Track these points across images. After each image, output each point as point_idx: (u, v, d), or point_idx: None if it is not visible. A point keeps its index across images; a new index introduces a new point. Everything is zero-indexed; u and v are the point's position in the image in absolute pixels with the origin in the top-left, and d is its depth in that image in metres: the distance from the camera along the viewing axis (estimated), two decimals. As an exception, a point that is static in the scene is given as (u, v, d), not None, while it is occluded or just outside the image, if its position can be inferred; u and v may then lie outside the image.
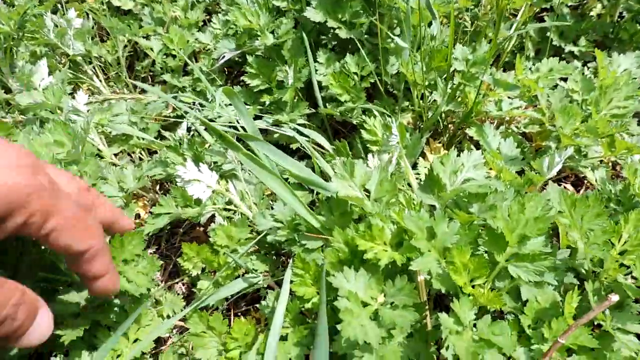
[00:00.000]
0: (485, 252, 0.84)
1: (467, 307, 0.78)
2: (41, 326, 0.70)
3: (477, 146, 1.42)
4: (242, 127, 1.23)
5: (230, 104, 1.37)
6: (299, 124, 1.36)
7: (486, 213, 0.87)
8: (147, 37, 1.70)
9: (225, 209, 1.14)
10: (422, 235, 0.82)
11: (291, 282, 0.88)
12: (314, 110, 1.38)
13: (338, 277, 0.78)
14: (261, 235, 1.08)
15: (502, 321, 0.78)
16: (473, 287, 0.82)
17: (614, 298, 0.66)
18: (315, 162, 1.16)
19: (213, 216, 1.16)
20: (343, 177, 0.90)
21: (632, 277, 0.83)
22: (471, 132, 1.26)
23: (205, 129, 1.32)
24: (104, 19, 1.67)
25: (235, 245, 1.07)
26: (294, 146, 1.37)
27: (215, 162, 1.21)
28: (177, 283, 1.35)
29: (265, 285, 1.15)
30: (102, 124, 1.36)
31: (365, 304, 0.77)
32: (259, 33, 1.33)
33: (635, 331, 0.79)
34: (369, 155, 1.04)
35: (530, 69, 1.43)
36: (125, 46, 1.68)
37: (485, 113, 1.33)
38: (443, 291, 0.81)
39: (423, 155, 1.34)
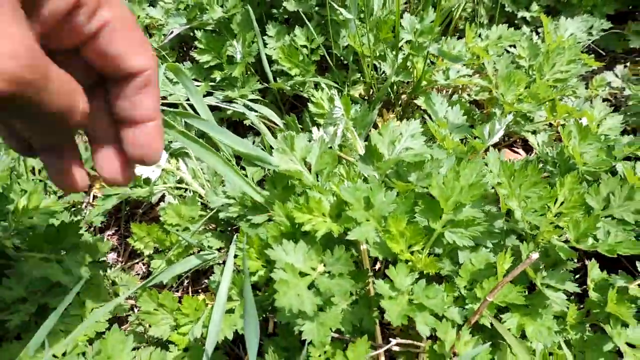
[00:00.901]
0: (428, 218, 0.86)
1: (403, 273, 0.81)
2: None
3: (430, 116, 1.44)
4: (191, 105, 1.23)
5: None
6: (251, 100, 1.36)
7: (424, 181, 0.89)
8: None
9: (176, 188, 1.14)
10: (359, 206, 0.84)
11: (235, 256, 0.89)
12: (266, 85, 1.37)
13: (277, 250, 0.80)
14: (212, 212, 1.09)
15: (436, 285, 0.81)
16: (412, 253, 0.85)
17: (534, 256, 0.69)
18: (263, 137, 1.16)
19: (164, 195, 1.17)
20: (283, 151, 0.91)
21: (567, 240, 0.87)
22: (420, 101, 1.27)
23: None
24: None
25: (186, 223, 1.08)
26: (247, 122, 1.37)
27: (166, 141, 1.21)
28: (137, 263, 1.36)
29: (221, 262, 1.17)
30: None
31: (304, 275, 0.79)
32: (207, 7, 1.31)
33: (565, 288, 0.83)
34: (314, 129, 1.05)
35: (480, 36, 1.45)
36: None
37: (434, 82, 1.34)
38: (381, 258, 0.83)
39: (376, 126, 1.36)
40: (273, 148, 1.13)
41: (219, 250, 1.16)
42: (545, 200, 0.86)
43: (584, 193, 0.88)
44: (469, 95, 1.50)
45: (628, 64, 1.71)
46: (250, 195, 0.92)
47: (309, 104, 1.15)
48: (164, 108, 1.13)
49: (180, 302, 0.94)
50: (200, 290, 1.28)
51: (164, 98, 1.33)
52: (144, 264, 1.36)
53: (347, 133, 1.09)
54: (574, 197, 0.87)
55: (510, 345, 0.82)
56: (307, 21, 1.26)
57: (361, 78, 1.40)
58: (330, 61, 1.28)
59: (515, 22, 1.73)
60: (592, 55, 1.57)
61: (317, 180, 0.90)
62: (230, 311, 0.92)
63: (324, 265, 0.82)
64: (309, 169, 0.92)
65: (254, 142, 1.41)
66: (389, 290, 0.78)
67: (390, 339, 0.83)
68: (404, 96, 1.43)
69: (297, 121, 1.20)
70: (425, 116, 1.42)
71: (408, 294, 0.80)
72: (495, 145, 1.52)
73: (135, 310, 1.20)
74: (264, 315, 0.95)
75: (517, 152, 1.46)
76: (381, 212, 0.85)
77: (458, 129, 1.13)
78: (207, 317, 0.89)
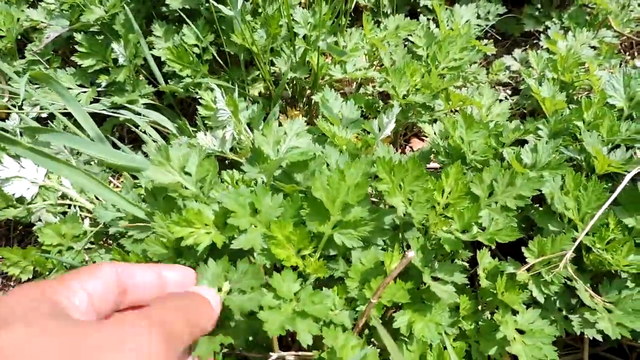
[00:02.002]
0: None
1: (290, 280, 0.78)
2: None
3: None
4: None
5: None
6: (145, 104, 1.28)
7: (310, 181, 0.86)
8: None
9: (59, 205, 1.06)
10: (243, 212, 0.79)
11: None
12: (158, 89, 1.30)
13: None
14: (97, 228, 1.02)
15: (323, 289, 0.78)
16: (303, 257, 0.82)
17: (410, 254, 0.67)
18: (147, 144, 1.10)
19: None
20: (160, 163, 0.85)
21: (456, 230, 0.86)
22: (316, 96, 1.25)
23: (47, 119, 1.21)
24: None
25: (69, 242, 1.00)
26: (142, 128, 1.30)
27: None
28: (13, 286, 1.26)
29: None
30: None
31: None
32: (83, 7, 1.22)
33: (453, 280, 0.83)
34: (199, 134, 1.00)
35: (380, 27, 1.44)
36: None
37: (331, 77, 1.32)
38: (268, 265, 0.80)
39: (280, 125, 1.32)
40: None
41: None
42: (431, 193, 0.85)
43: (469, 182, 0.88)
44: (373, 87, 1.49)
45: (528, 47, 1.76)
46: (127, 210, 0.86)
47: (198, 107, 1.10)
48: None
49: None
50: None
51: (42, 109, 1.23)
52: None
53: (241, 135, 1.05)
54: (459, 187, 0.87)
55: (409, 345, 0.81)
56: (190, 19, 1.19)
57: (260, 76, 1.35)
58: (220, 60, 1.23)
59: (418, 10, 1.73)
60: (491, 41, 1.60)
61: (200, 190, 0.85)
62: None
63: (229, 282, 0.76)
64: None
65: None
66: (272, 300, 0.74)
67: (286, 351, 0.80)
68: (308, 92, 1.40)
69: (188, 125, 1.14)
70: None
71: (296, 301, 0.77)
72: (404, 135, 1.53)
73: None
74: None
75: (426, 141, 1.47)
76: (268, 217, 0.81)
77: (353, 124, 1.11)
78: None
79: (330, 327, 0.75)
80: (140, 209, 0.86)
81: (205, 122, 1.10)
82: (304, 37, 1.27)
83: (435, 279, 0.83)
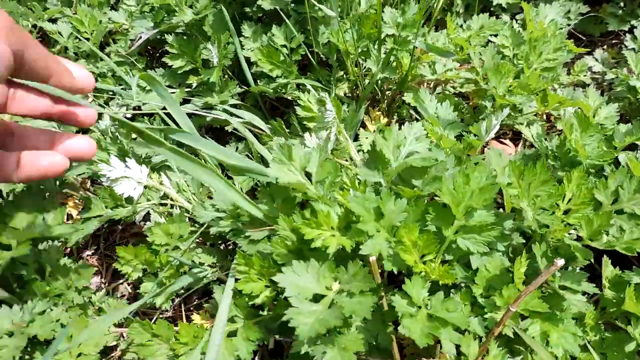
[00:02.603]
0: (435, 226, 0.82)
1: (419, 286, 0.77)
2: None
3: (417, 111, 1.40)
4: (168, 114, 1.15)
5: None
6: (231, 105, 1.29)
7: (430, 186, 0.85)
8: (53, 21, 1.55)
9: (161, 204, 1.07)
10: (369, 217, 0.79)
11: (236, 280, 0.83)
12: (246, 89, 1.31)
13: (287, 273, 0.74)
14: (202, 227, 1.02)
15: (454, 297, 0.77)
16: (424, 263, 0.81)
17: (560, 262, 0.66)
18: (251, 145, 1.10)
19: (149, 213, 1.09)
20: (281, 161, 0.85)
21: (578, 237, 0.84)
22: (408, 98, 1.23)
23: (132, 119, 1.23)
24: (1, 2, 1.51)
25: (176, 242, 1.01)
26: (229, 128, 1.30)
27: (145, 155, 1.13)
28: (121, 284, 1.28)
29: (215, 278, 1.11)
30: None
31: (320, 296, 0.74)
32: (175, 8, 1.23)
33: (583, 289, 0.81)
34: (306, 134, 1.00)
35: (461, 26, 1.42)
36: (30, 32, 1.53)
37: (420, 76, 1.31)
38: (395, 271, 0.79)
39: (363, 125, 1.31)
40: (262, 156, 1.07)
41: (210, 266, 1.09)
42: (554, 199, 0.83)
43: (592, 188, 0.86)
44: (453, 87, 1.47)
45: (605, 47, 1.71)
46: (247, 210, 0.86)
47: (297, 108, 1.09)
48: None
49: (176, 327, 0.88)
50: (192, 309, 1.21)
51: (138, 108, 1.25)
52: (129, 284, 1.28)
53: (339, 136, 1.04)
54: (582, 193, 0.85)
55: (535, 355, 0.79)
56: (286, 18, 1.19)
57: (345, 76, 1.35)
58: (313, 60, 1.22)
59: (492, 9, 1.71)
60: (572, 41, 1.56)
61: (320, 191, 0.85)
62: (232, 334, 0.86)
63: (338, 283, 0.77)
64: (309, 179, 0.87)
65: (237, 149, 1.34)
66: (407, 307, 0.74)
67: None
68: (388, 92, 1.39)
69: (283, 125, 1.14)
70: (412, 112, 1.39)
71: (425, 308, 0.76)
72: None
73: (125, 336, 1.13)
74: (277, 338, 0.89)
75: (504, 144, 1.44)
76: (391, 221, 0.80)
77: (450, 125, 1.09)
78: (207, 343, 0.82)
79: (466, 335, 0.74)
80: (259, 210, 0.87)
81: (303, 122, 1.09)
82: (391, 36, 1.25)
83: (562, 287, 0.82)
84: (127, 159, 1.03)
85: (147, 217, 1.12)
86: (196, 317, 1.14)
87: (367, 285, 0.73)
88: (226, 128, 1.31)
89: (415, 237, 0.78)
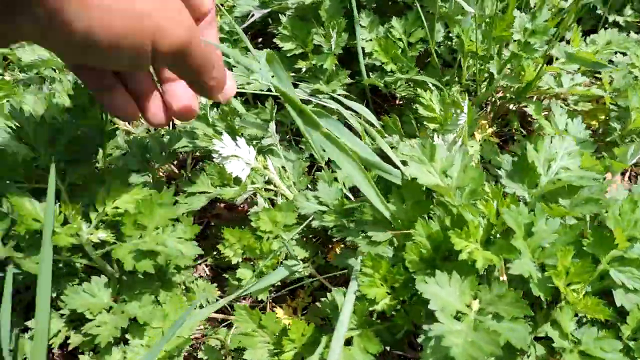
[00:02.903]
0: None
1: (569, 318, 0.70)
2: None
3: (523, 124, 1.32)
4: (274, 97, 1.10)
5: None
6: (339, 95, 1.23)
7: (582, 207, 0.77)
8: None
9: (265, 189, 1.01)
10: (520, 233, 0.72)
11: (358, 285, 0.77)
12: (352, 80, 1.24)
13: (430, 284, 0.67)
14: (308, 220, 0.97)
15: (610, 336, 0.69)
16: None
17: None
18: (364, 139, 1.04)
19: (249, 197, 1.04)
20: (421, 160, 0.78)
21: None
22: (530, 109, 1.15)
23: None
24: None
25: (279, 230, 0.96)
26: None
27: (250, 136, 1.08)
28: (199, 264, 1.24)
29: (307, 274, 1.05)
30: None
31: (460, 314, 0.67)
32: (292, -11, 1.17)
33: None
34: (435, 136, 0.93)
35: (585, 41, 1.33)
36: None
37: (540, 88, 1.22)
38: (542, 298, 0.72)
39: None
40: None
41: (303, 260, 1.03)
42: None
43: None
44: (565, 104, 1.38)
45: None
46: (379, 209, 0.80)
47: (418, 106, 1.03)
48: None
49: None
50: (275, 302, 1.16)
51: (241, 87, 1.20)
52: (207, 266, 1.23)
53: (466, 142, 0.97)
54: None
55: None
56: (391, 13, 1.13)
57: (456, 78, 1.27)
58: (434, 58, 1.15)
59: (606, 26, 1.61)
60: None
61: (459, 199, 0.78)
62: (347, 342, 0.80)
63: (479, 302, 0.70)
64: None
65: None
66: (561, 340, 0.66)
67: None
68: (498, 101, 1.31)
69: (399, 122, 1.07)
70: (516, 123, 1.30)
71: (574, 344, 0.69)
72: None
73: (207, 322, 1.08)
74: (386, 349, 0.82)
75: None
76: (539, 242, 0.73)
77: (582, 144, 1.01)
78: (325, 348, 0.76)
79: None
80: (388, 210, 0.80)
81: (424, 122, 1.02)
82: (516, 42, 1.17)
83: None
84: (237, 138, 0.98)
85: (246, 201, 1.07)
86: (279, 311, 1.09)
87: (520, 310, 0.66)
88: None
89: (568, 262, 0.71)
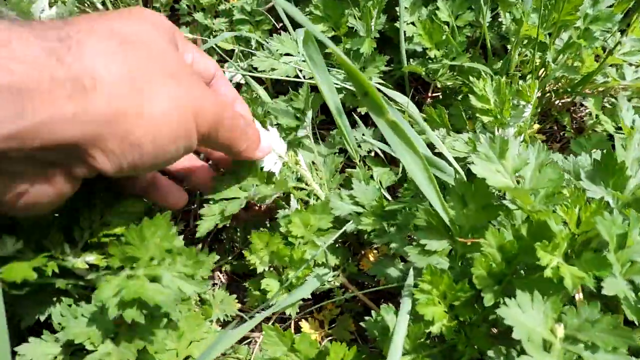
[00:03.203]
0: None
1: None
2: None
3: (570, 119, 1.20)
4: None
5: (286, 54, 1.10)
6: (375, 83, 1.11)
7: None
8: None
9: (297, 188, 0.89)
10: (612, 246, 0.60)
11: (413, 303, 0.65)
12: (389, 68, 1.12)
13: (511, 307, 0.55)
14: (346, 226, 0.84)
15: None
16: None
17: None
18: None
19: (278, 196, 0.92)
20: (488, 158, 0.66)
21: None
22: (589, 103, 1.03)
23: (256, 82, 1.06)
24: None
25: (312, 236, 0.84)
26: (361, 110, 1.12)
27: (281, 127, 0.96)
28: (214, 270, 1.12)
29: (338, 284, 0.93)
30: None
31: (548, 344, 0.55)
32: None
33: None
34: (495, 130, 0.81)
35: None
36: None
37: (593, 81, 1.10)
38: (637, 322, 0.59)
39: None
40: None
41: (333, 268, 0.92)
42: None
43: None
44: (615, 98, 1.26)
45: None
46: (435, 212, 0.68)
47: (471, 97, 0.90)
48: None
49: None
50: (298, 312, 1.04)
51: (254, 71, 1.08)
52: (221, 272, 1.11)
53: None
54: None
55: None
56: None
57: (505, 68, 1.15)
58: (488, 44, 1.03)
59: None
60: None
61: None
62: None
63: (564, 327, 0.58)
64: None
65: (362, 135, 1.16)
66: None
67: None
68: (548, 95, 1.18)
69: (446, 116, 0.95)
70: (566, 119, 1.18)
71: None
72: None
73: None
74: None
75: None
76: (630, 256, 0.61)
77: (655, 144, 0.89)
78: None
79: None
80: (448, 214, 0.68)
81: (476, 115, 0.90)
82: (577, 30, 1.05)
83: None
84: (269, 127, 0.86)
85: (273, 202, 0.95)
86: (304, 325, 0.98)
87: (622, 340, 0.54)
88: (359, 110, 1.13)
89: (670, 283, 0.59)
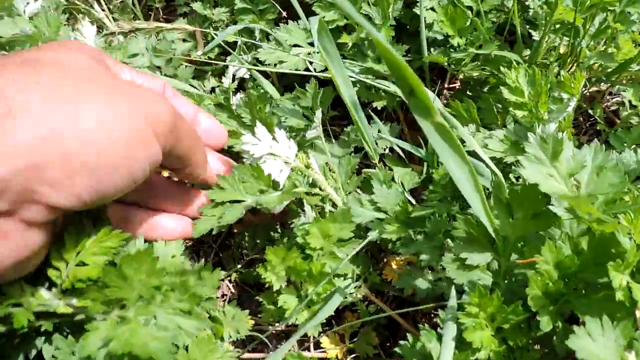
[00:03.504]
0: None
1: None
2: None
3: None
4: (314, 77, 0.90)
5: (294, 45, 1.01)
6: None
7: None
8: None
9: (310, 194, 0.81)
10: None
11: (461, 323, 0.57)
12: (406, 58, 1.03)
13: (580, 336, 0.47)
14: (370, 237, 0.76)
15: None
16: None
17: None
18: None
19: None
20: (539, 160, 0.58)
21: None
22: (627, 93, 0.95)
23: (263, 76, 0.97)
24: None
25: (332, 247, 0.75)
26: (377, 104, 1.03)
27: (289, 128, 0.87)
28: (222, 280, 1.03)
29: (360, 296, 0.85)
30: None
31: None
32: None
33: None
34: (536, 126, 0.72)
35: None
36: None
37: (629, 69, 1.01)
38: None
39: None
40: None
41: (350, 278, 0.83)
42: None
43: None
44: None
45: None
46: (475, 223, 0.59)
47: (503, 89, 0.82)
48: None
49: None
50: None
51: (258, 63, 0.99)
52: (230, 282, 1.03)
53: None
54: None
55: None
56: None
57: (533, 56, 1.06)
58: (519, 30, 0.94)
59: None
60: None
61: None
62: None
63: (635, 356, 0.50)
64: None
65: (378, 131, 1.07)
66: None
67: None
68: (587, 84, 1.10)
69: (475, 110, 0.86)
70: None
71: None
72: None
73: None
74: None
75: None
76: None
77: None
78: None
79: None
80: (493, 224, 0.59)
81: (508, 109, 0.82)
82: (612, 12, 0.96)
83: None
84: (275, 130, 0.78)
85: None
86: (325, 341, 0.90)
87: None
88: (374, 104, 1.04)
89: None
